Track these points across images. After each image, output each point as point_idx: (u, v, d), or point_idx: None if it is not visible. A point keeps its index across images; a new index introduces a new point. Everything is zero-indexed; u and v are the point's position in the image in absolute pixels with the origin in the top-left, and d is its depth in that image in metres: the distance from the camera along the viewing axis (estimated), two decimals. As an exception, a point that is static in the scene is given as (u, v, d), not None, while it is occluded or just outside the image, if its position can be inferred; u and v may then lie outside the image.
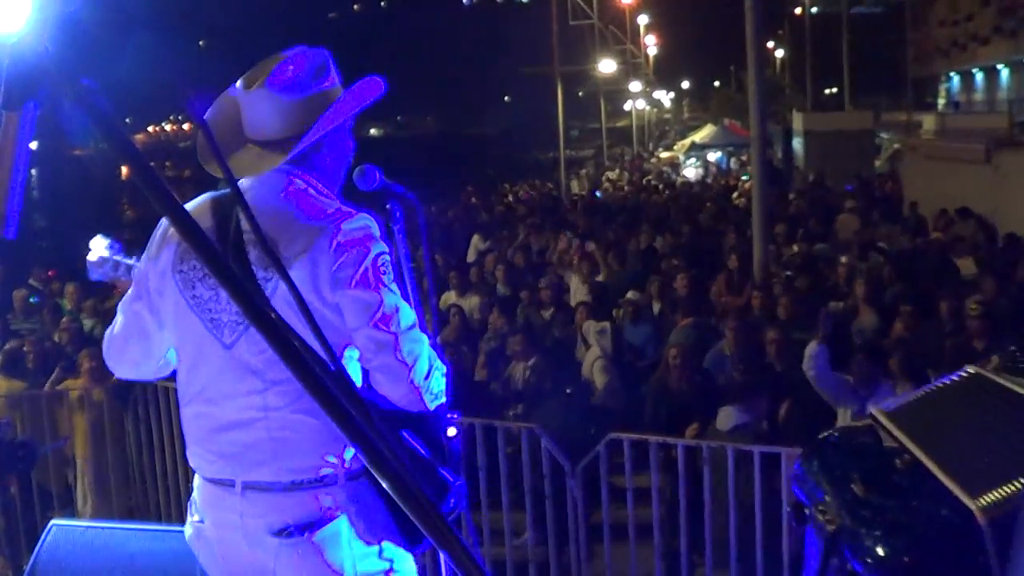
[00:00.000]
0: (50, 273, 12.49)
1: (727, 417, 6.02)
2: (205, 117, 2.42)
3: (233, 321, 2.30)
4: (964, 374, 2.10)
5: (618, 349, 8.08)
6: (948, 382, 2.10)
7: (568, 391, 7.14)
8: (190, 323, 2.35)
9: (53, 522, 3.49)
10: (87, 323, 9.45)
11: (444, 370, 2.42)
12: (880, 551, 1.67)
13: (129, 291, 2.52)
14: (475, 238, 14.96)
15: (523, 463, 5.91)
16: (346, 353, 2.35)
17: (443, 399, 2.40)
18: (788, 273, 9.87)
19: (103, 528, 3.56)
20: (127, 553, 3.30)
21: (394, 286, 2.32)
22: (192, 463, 2.47)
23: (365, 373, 2.37)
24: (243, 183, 2.39)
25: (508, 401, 7.44)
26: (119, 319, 2.53)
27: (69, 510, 7.02)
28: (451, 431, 2.49)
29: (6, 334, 9.21)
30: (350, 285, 2.24)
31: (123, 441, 7.21)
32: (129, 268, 2.75)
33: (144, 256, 2.50)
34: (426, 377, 2.32)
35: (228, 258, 2.16)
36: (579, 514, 5.86)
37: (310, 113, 2.34)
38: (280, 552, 2.31)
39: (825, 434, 2.24)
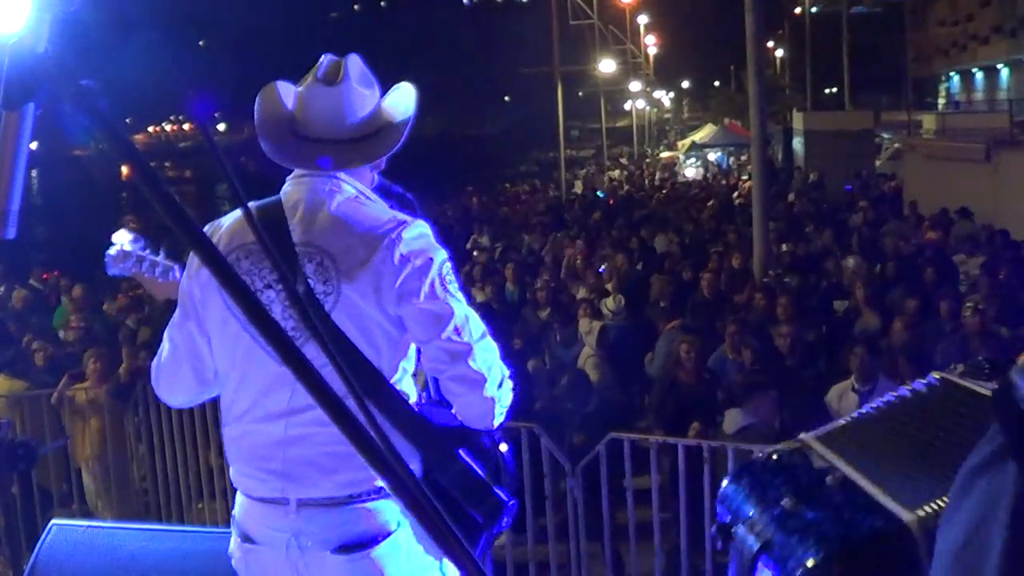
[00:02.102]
0: (44, 276, 12.52)
1: (733, 419, 6.01)
2: (256, 117, 2.38)
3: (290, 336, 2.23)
4: (930, 381, 2.10)
5: (605, 347, 8.06)
6: (911, 392, 2.10)
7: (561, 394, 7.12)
8: (240, 340, 2.25)
9: (53, 522, 3.49)
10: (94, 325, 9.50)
11: (511, 384, 2.34)
12: (810, 562, 1.65)
13: (175, 315, 2.41)
14: (474, 237, 15.00)
15: (523, 463, 5.90)
16: (401, 365, 2.28)
17: (505, 416, 2.32)
18: (778, 272, 9.91)
19: (103, 528, 3.56)
20: (127, 553, 3.29)
21: (460, 294, 2.26)
22: (237, 483, 2.38)
23: (433, 385, 2.32)
24: (291, 192, 2.33)
25: None
26: (166, 345, 2.42)
27: (69, 510, 7.02)
28: (503, 447, 2.43)
29: (7, 333, 9.23)
30: (418, 298, 2.18)
31: (124, 442, 7.21)
32: (154, 265, 2.66)
33: (184, 273, 2.42)
34: (499, 387, 2.26)
35: (284, 268, 2.12)
36: (579, 514, 5.86)
37: (378, 113, 2.35)
38: (338, 569, 2.24)
39: (753, 458, 2.23)
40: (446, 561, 2.30)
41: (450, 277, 2.25)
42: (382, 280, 2.18)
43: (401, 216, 2.30)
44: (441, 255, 2.25)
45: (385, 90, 2.47)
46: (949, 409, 1.92)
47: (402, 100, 2.45)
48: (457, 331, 2.20)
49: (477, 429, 2.33)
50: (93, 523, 3.93)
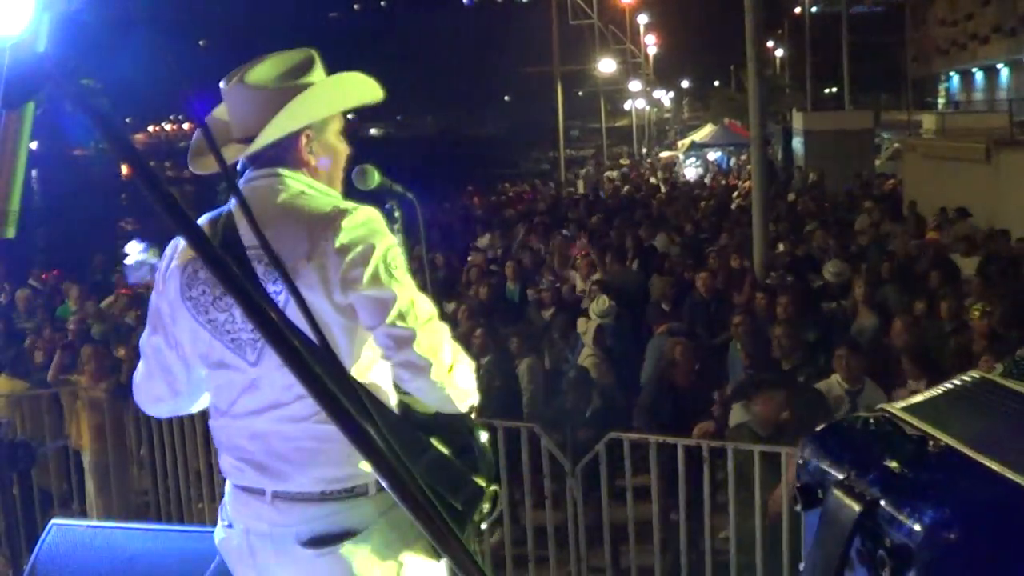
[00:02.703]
0: (43, 276, 12.54)
1: (737, 414, 6.03)
2: (206, 120, 2.40)
3: (252, 339, 2.25)
4: (969, 378, 2.06)
5: (602, 346, 8.06)
6: (954, 385, 2.05)
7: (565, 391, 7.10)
8: (211, 347, 2.31)
9: (53, 522, 3.49)
10: (92, 325, 9.50)
11: (472, 365, 2.32)
12: (920, 526, 1.59)
13: (145, 330, 2.47)
14: (478, 239, 15.01)
15: (523, 463, 5.90)
16: (366, 355, 2.29)
17: (474, 398, 2.31)
18: (780, 272, 9.90)
19: (103, 528, 3.55)
20: (127, 553, 3.30)
21: (407, 278, 2.24)
22: (223, 470, 2.43)
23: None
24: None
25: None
26: (141, 360, 2.49)
27: (69, 510, 7.02)
28: (482, 434, 2.43)
29: (9, 333, 9.23)
30: (361, 283, 2.18)
31: (124, 440, 7.21)
32: None
33: (154, 290, 2.45)
34: (449, 371, 2.24)
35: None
36: (579, 514, 5.86)
37: (284, 103, 2.30)
38: (308, 563, 2.28)
39: (837, 420, 2.18)
40: (417, 563, 2.32)
41: (396, 263, 2.23)
42: (327, 271, 2.18)
43: (344, 205, 2.28)
44: (385, 241, 2.24)
45: (388, 87, 2.46)
46: (1005, 403, 1.89)
47: (344, 85, 2.42)
48: (401, 316, 2.19)
49: (450, 417, 2.32)
50: (93, 523, 3.93)
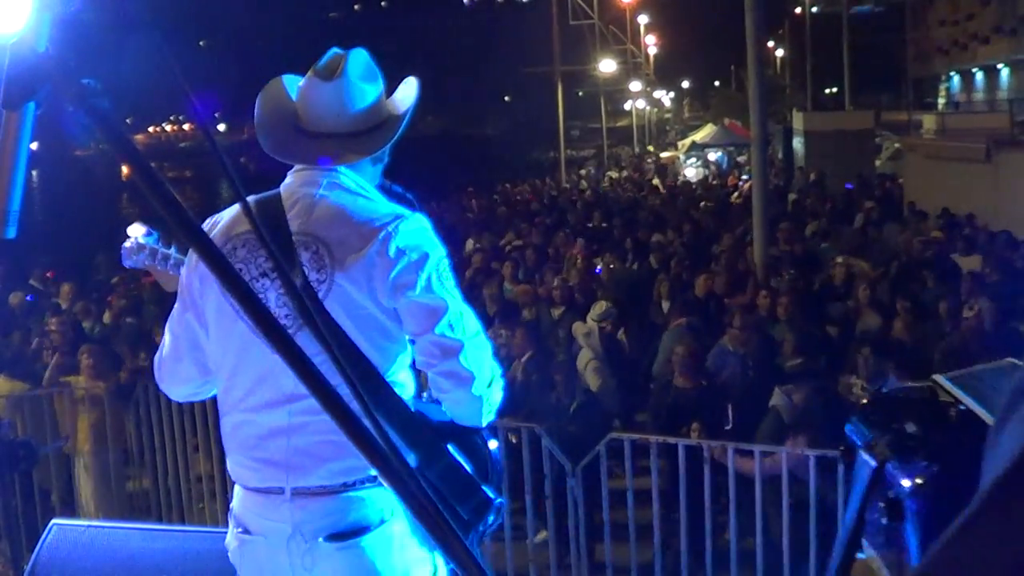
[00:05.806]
0: (48, 274, 12.52)
1: (777, 397, 6.11)
2: (258, 111, 2.40)
3: (283, 325, 2.25)
4: (1005, 364, 2.24)
5: (609, 350, 8.06)
6: (999, 364, 2.24)
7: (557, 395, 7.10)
8: (234, 329, 2.26)
9: (53, 522, 3.48)
10: (85, 324, 9.48)
11: (503, 384, 2.34)
12: (909, 481, 1.81)
13: (175, 307, 2.43)
14: (477, 239, 15.00)
15: (524, 463, 5.90)
16: (397, 357, 2.28)
17: (494, 415, 2.32)
18: (790, 272, 9.91)
19: (104, 528, 3.55)
20: (128, 553, 3.29)
21: (456, 290, 2.26)
22: (234, 474, 2.39)
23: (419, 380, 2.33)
24: (292, 185, 2.34)
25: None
26: (167, 338, 2.44)
27: (70, 510, 7.01)
28: (492, 444, 2.43)
29: (8, 333, 9.22)
30: (413, 291, 2.19)
31: (124, 440, 7.20)
32: (167, 258, 2.69)
33: (185, 266, 2.43)
34: (488, 386, 2.26)
35: (274, 258, 2.12)
36: (579, 514, 5.85)
37: (380, 108, 2.36)
38: (332, 557, 2.26)
39: (884, 390, 2.40)
40: (439, 554, 2.31)
41: (447, 274, 2.25)
42: (375, 271, 2.19)
43: (400, 210, 2.30)
44: (438, 251, 2.26)
45: (390, 87, 2.48)
46: None
47: (404, 93, 2.48)
48: (450, 326, 2.20)
49: (466, 426, 2.33)
50: (94, 523, 3.93)
